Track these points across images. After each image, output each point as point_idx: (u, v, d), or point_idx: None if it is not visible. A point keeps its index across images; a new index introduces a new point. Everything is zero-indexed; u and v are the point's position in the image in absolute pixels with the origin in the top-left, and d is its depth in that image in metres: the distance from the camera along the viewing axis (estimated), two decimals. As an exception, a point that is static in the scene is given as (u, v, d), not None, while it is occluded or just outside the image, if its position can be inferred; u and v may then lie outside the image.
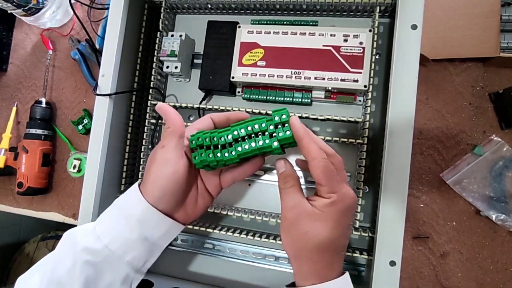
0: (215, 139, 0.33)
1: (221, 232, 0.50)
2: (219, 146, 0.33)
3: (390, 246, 0.40)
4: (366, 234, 0.45)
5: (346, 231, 0.33)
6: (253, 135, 0.32)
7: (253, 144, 0.32)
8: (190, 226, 0.51)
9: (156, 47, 0.55)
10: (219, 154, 0.33)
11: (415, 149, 0.54)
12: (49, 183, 0.69)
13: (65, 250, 0.35)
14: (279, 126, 0.32)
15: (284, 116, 0.31)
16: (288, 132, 0.31)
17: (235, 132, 0.33)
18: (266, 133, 0.32)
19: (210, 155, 0.33)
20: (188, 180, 0.36)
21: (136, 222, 0.34)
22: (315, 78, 0.48)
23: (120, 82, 0.51)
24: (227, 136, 0.33)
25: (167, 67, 0.53)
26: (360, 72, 0.47)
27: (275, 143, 0.31)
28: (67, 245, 0.36)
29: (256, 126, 0.32)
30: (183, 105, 0.54)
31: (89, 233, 0.35)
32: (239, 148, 0.32)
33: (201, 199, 0.39)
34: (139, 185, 0.36)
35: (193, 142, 0.34)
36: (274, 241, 0.48)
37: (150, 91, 0.55)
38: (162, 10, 0.55)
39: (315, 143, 0.31)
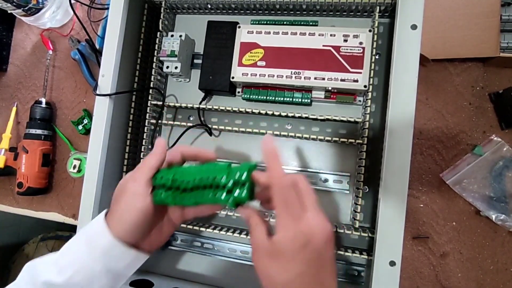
0: (176, 182, 0.34)
1: (221, 232, 0.50)
2: (180, 189, 0.34)
3: (390, 246, 0.40)
4: (366, 234, 0.45)
5: (319, 267, 0.28)
6: (212, 185, 0.32)
7: (210, 195, 0.32)
8: (190, 226, 0.51)
9: (156, 47, 0.55)
10: (177, 198, 0.34)
11: (415, 149, 0.54)
12: (49, 183, 0.69)
13: (25, 284, 0.34)
14: (239, 184, 0.32)
15: (244, 176, 0.31)
16: (244, 193, 0.31)
17: (196, 180, 0.33)
18: (226, 187, 0.32)
19: (169, 197, 0.34)
20: (155, 214, 0.35)
21: (100, 254, 0.33)
22: (315, 78, 0.48)
23: (120, 82, 0.51)
24: (187, 182, 0.33)
25: (167, 67, 0.53)
26: (360, 72, 0.47)
27: (230, 200, 0.31)
28: (27, 278, 0.34)
29: (216, 179, 0.32)
30: (183, 105, 0.54)
31: (51, 265, 0.34)
32: (197, 196, 0.33)
33: (165, 228, 0.38)
34: (106, 214, 0.35)
35: (156, 180, 0.35)
36: (274, 241, 0.48)
37: (150, 91, 0.55)
38: (162, 10, 0.55)
39: (274, 171, 0.30)
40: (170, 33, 0.54)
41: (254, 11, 0.55)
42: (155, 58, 0.55)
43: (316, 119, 0.50)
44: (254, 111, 0.51)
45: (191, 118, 0.57)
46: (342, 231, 0.46)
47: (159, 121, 0.55)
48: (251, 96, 0.52)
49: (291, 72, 0.49)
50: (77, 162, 0.65)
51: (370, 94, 0.46)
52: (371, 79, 0.46)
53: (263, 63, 0.50)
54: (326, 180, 0.52)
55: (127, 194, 0.34)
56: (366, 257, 0.46)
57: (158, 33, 0.55)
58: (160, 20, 0.54)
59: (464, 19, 0.52)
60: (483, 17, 0.51)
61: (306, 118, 0.48)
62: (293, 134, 0.49)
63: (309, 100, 0.50)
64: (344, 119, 0.48)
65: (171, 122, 0.55)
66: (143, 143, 0.56)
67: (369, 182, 0.49)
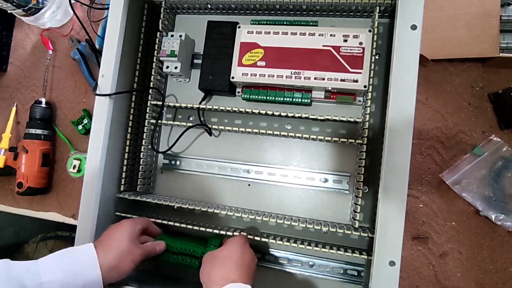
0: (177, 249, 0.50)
1: (221, 232, 0.50)
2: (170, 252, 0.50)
3: (390, 246, 0.40)
4: (366, 234, 0.45)
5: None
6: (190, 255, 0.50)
7: (187, 260, 0.49)
8: (190, 227, 0.51)
9: (156, 47, 0.55)
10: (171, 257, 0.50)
11: (414, 149, 0.54)
12: (49, 183, 0.69)
13: None
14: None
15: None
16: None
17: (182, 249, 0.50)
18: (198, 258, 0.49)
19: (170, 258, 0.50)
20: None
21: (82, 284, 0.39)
22: (315, 78, 0.48)
23: (120, 82, 0.51)
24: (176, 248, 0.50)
25: (167, 67, 0.53)
26: (360, 72, 0.47)
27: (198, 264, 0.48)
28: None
29: (195, 252, 0.49)
30: (183, 105, 0.54)
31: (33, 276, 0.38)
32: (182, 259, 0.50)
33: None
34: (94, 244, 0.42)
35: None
36: (273, 241, 0.48)
37: (150, 91, 0.55)
38: (162, 10, 0.55)
39: None
40: (170, 33, 0.54)
41: (254, 11, 0.55)
42: (155, 58, 0.55)
43: (316, 119, 0.50)
44: (254, 111, 0.51)
45: (191, 118, 0.57)
46: (342, 231, 0.46)
47: (159, 121, 0.55)
48: (251, 96, 0.52)
49: (291, 72, 0.49)
50: (77, 162, 0.64)
51: (370, 94, 0.46)
52: (371, 79, 0.46)
53: (263, 63, 0.50)
54: (326, 180, 0.52)
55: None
56: (365, 257, 0.46)
57: (158, 33, 0.55)
58: (160, 20, 0.54)
59: (464, 19, 0.52)
60: (483, 17, 0.51)
61: (306, 118, 0.48)
62: (293, 134, 0.49)
63: (309, 100, 0.50)
64: (344, 119, 0.48)
65: (171, 122, 0.55)
66: (143, 143, 0.56)
67: (369, 182, 0.49)
